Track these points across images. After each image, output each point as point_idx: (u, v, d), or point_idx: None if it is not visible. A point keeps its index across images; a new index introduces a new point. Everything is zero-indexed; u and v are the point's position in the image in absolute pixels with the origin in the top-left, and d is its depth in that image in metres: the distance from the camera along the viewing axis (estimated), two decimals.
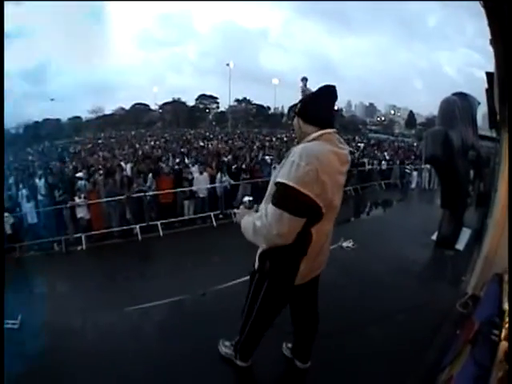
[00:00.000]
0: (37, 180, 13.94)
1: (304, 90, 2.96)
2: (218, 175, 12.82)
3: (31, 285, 8.39)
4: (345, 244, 7.40)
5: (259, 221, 2.44)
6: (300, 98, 2.69)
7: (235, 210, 2.94)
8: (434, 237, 7.85)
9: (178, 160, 16.35)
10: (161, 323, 4.84)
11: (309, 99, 2.63)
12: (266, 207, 2.45)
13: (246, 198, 2.84)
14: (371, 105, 54.58)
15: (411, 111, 49.79)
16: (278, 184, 2.37)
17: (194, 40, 68.15)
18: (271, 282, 2.78)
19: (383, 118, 52.79)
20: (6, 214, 11.16)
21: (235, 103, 51.30)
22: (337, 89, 2.57)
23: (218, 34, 64.80)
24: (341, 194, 2.61)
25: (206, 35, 67.24)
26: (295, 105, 2.67)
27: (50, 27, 61.07)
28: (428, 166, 15.34)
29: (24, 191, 12.33)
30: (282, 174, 2.36)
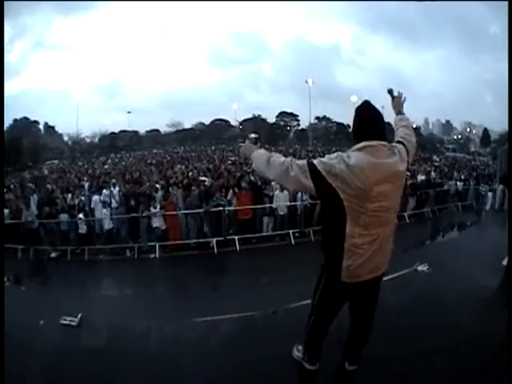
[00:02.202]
0: (112, 188, 14.54)
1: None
2: (299, 193, 12.64)
3: (98, 286, 8.70)
4: (420, 268, 7.25)
5: (282, 158, 2.79)
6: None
7: (240, 144, 3.16)
8: (505, 262, 7.42)
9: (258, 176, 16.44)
10: (227, 336, 4.82)
11: (354, 116, 2.88)
12: None
13: (253, 135, 3.06)
14: (447, 122, 52.97)
15: (485, 128, 47.51)
16: (310, 163, 2.66)
17: (267, 57, 68.41)
18: (325, 276, 3.03)
19: (459, 136, 51.22)
20: (80, 216, 11.75)
21: (315, 121, 51.23)
22: (372, 104, 2.88)
23: (290, 51, 64.30)
24: (385, 203, 2.73)
25: (279, 52, 66.79)
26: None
27: (122, 43, 64.96)
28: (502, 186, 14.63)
29: (98, 197, 13.02)
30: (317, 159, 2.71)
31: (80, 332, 5.49)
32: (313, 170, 2.59)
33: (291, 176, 2.64)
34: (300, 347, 3.64)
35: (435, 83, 54.15)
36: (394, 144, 2.97)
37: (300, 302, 4.81)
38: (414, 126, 49.48)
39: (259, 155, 2.93)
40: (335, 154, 2.68)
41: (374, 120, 2.83)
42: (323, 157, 2.72)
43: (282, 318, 5.26)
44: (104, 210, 12.15)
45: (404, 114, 3.55)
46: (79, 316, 5.71)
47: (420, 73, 55.84)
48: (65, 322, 5.65)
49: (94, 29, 71.12)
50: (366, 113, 2.85)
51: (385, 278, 5.86)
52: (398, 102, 3.60)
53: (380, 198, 2.66)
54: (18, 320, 5.60)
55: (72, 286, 8.70)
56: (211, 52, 69.84)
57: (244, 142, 3.18)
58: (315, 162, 2.64)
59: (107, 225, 11.94)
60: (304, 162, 2.68)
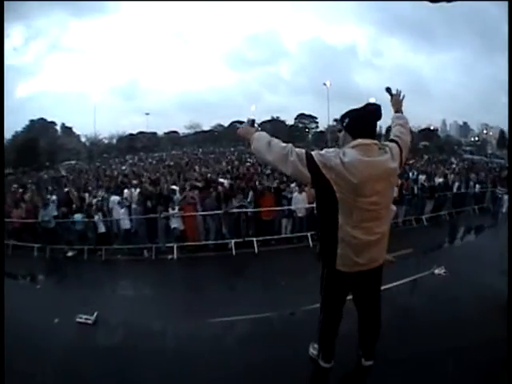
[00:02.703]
0: (132, 189, 14.88)
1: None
2: None
3: (114, 286, 8.72)
4: (437, 271, 7.34)
5: (282, 143, 2.91)
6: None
7: (238, 125, 3.20)
8: None
9: (277, 178, 16.43)
10: (244, 336, 4.94)
11: (352, 113, 3.06)
12: None
13: (251, 117, 3.09)
14: (465, 124, 53.01)
15: (502, 130, 46.98)
16: (308, 153, 2.82)
17: (284, 59, 71.39)
18: (325, 270, 3.25)
19: (477, 138, 50.81)
20: (96, 217, 11.83)
21: (334, 123, 51.22)
22: (380, 108, 3.04)
23: (306, 53, 65.38)
24: (377, 199, 2.88)
25: (295, 54, 69.19)
26: (342, 118, 3.11)
27: (139, 45, 65.89)
28: None
29: (117, 197, 13.11)
30: (316, 151, 2.88)
31: (95, 330, 5.56)
32: (310, 160, 2.75)
33: (290, 160, 2.78)
34: (316, 345, 3.72)
35: (452, 84, 54.21)
36: (385, 143, 3.13)
37: (317, 304, 4.79)
38: (432, 127, 50.86)
39: (260, 137, 3.01)
40: (332, 149, 2.85)
41: (372, 121, 3.02)
42: None
43: (299, 319, 5.33)
44: (122, 211, 12.16)
45: (402, 113, 3.67)
46: (95, 314, 5.77)
47: (437, 74, 56.06)
48: (80, 320, 5.70)
49: (111, 31, 72.87)
50: (368, 114, 3.03)
51: (402, 281, 6.22)
52: (397, 100, 3.76)
53: (372, 194, 2.82)
54: (32, 318, 5.67)
55: (88, 285, 8.76)
56: (228, 54, 71.80)
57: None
58: (313, 153, 2.81)
59: (125, 225, 11.97)
60: (303, 150, 2.84)
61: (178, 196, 12.57)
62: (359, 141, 2.86)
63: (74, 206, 13.19)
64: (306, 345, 3.99)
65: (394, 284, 6.19)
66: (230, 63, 77.37)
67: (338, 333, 3.38)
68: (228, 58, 75.09)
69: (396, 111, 3.68)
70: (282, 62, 76.52)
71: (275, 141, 2.93)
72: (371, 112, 3.03)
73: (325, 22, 72.93)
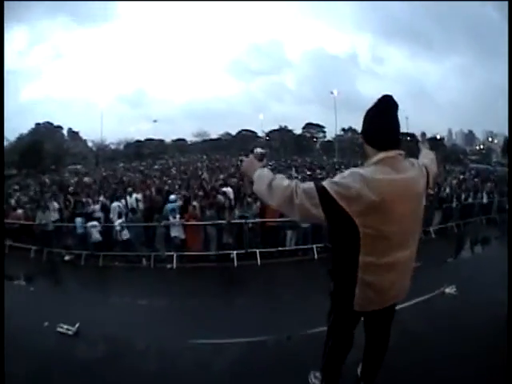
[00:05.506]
0: (132, 196, 14.95)
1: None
2: None
3: (107, 293, 8.69)
4: (447, 290, 7.16)
5: (286, 181, 2.51)
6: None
7: (242, 158, 2.97)
8: None
9: None
10: (234, 363, 4.73)
11: (366, 117, 2.69)
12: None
13: (259, 150, 2.85)
14: (470, 132, 53.69)
15: (506, 137, 46.86)
16: (319, 185, 2.43)
17: (288, 68, 73.09)
18: (337, 305, 2.96)
19: (482, 147, 50.73)
20: (95, 223, 11.85)
21: (341, 132, 52.13)
22: (395, 100, 2.61)
23: (309, 62, 69.04)
24: (405, 224, 2.57)
25: (299, 63, 73.94)
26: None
27: (143, 54, 67.37)
28: None
29: (118, 204, 13.25)
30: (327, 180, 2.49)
31: (75, 341, 5.51)
32: (323, 195, 2.36)
33: (296, 204, 2.40)
34: (317, 374, 3.56)
35: (454, 92, 54.57)
36: (411, 159, 2.82)
37: (319, 327, 4.67)
38: (439, 136, 50.90)
39: (260, 176, 2.66)
40: (348, 172, 2.46)
41: (394, 123, 2.64)
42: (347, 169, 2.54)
43: (299, 344, 5.10)
44: (122, 218, 12.21)
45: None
46: (77, 325, 5.75)
47: (439, 81, 56.64)
48: (61, 330, 5.70)
49: (119, 39, 74.49)
50: (386, 115, 2.61)
51: (410, 303, 5.71)
52: (424, 140, 3.80)
53: (399, 218, 2.49)
54: (19, 320, 5.64)
55: (81, 291, 8.82)
56: (232, 63, 74.59)
57: (247, 157, 2.93)
58: (325, 184, 2.41)
59: (124, 232, 11.93)
60: (311, 185, 2.45)
61: (176, 204, 12.54)
62: (382, 155, 2.51)
63: (74, 210, 13.33)
64: (305, 373, 3.77)
65: (402, 306, 6.04)
66: (235, 72, 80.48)
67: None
68: (232, 68, 77.92)
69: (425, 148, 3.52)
70: (286, 71, 79.05)
71: (277, 181, 2.53)
72: (386, 106, 2.61)
73: (325, 31, 75.20)
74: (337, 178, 2.42)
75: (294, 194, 2.39)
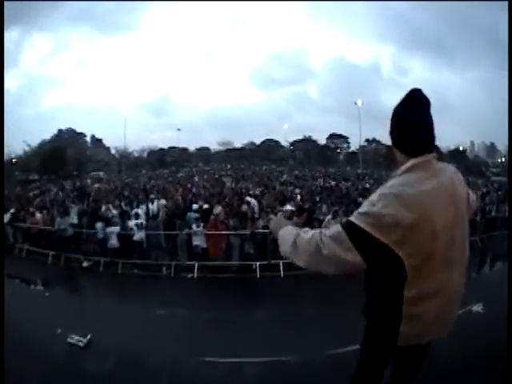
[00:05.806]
0: (156, 202, 15.09)
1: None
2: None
3: (124, 301, 8.45)
4: (475, 308, 6.85)
5: (310, 233, 2.11)
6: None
7: (271, 216, 2.54)
8: None
9: (307, 199, 16.21)
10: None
11: (393, 117, 2.28)
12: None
13: (289, 207, 2.41)
14: (492, 144, 54.30)
15: None
16: (346, 222, 2.04)
17: (310, 78, 75.51)
18: (373, 341, 2.50)
19: (503, 159, 50.52)
20: (115, 228, 11.67)
21: (365, 143, 52.81)
22: (424, 95, 2.21)
23: (331, 72, 69.35)
24: (452, 236, 2.13)
25: (321, 73, 75.45)
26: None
27: (167, 63, 68.85)
28: None
29: (139, 210, 13.27)
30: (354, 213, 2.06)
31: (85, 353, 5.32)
32: (354, 233, 1.96)
33: (325, 255, 1.99)
34: None
35: (476, 103, 54.65)
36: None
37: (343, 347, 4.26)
38: (461, 148, 52.05)
39: (285, 235, 2.27)
40: (377, 196, 2.05)
41: (426, 123, 2.24)
42: (374, 180, 2.13)
43: (321, 366, 4.87)
44: (140, 219, 12.35)
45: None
46: (88, 337, 5.57)
47: (461, 92, 56.69)
48: (72, 341, 5.52)
49: (140, 48, 76.34)
50: (416, 114, 2.20)
51: None
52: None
53: (446, 231, 2.07)
54: (31, 326, 5.47)
55: (97, 299, 8.69)
56: (255, 73, 76.72)
57: (276, 214, 2.56)
58: (353, 219, 2.01)
59: (145, 239, 11.83)
60: (338, 228, 2.04)
61: (196, 215, 12.42)
62: (416, 160, 2.12)
63: (94, 215, 13.22)
64: None
65: None
66: (258, 82, 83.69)
67: None
68: (255, 77, 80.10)
69: None
70: (309, 81, 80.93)
71: (301, 236, 2.14)
72: (416, 103, 2.21)
73: (347, 41, 76.88)
74: (365, 208, 2.03)
75: (320, 245, 2.01)
